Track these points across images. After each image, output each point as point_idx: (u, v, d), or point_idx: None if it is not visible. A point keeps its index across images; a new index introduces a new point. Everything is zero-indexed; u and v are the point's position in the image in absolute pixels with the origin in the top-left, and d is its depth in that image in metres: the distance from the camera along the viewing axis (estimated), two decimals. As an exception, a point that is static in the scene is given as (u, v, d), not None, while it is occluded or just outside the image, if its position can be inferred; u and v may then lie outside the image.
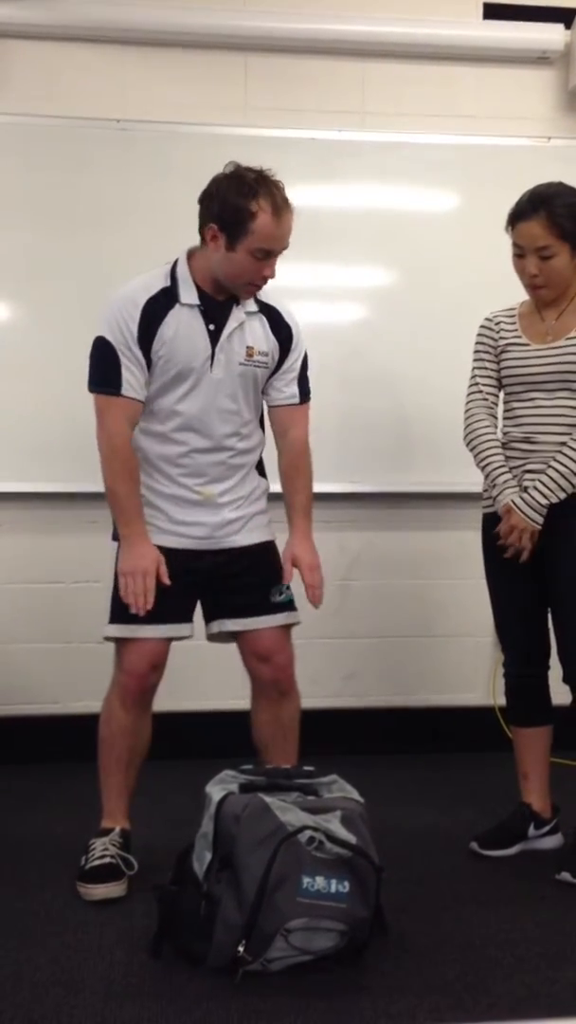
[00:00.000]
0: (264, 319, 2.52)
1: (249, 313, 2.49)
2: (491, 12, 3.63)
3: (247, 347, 2.47)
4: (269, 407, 2.61)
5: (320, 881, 1.97)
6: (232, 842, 2.00)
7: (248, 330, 2.49)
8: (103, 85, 3.47)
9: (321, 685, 3.50)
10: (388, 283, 3.63)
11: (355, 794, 2.19)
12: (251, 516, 2.55)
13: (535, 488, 2.53)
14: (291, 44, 3.53)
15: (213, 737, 3.16)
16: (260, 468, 2.62)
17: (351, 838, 2.03)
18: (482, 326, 2.72)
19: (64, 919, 2.25)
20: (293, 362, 2.58)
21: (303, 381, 2.61)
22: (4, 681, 3.46)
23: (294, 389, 2.59)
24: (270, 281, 2.45)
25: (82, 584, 3.46)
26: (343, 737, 3.44)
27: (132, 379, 2.41)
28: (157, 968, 2.03)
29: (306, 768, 2.27)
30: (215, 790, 2.12)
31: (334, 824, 2.04)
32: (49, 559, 3.48)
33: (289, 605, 2.55)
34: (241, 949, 1.94)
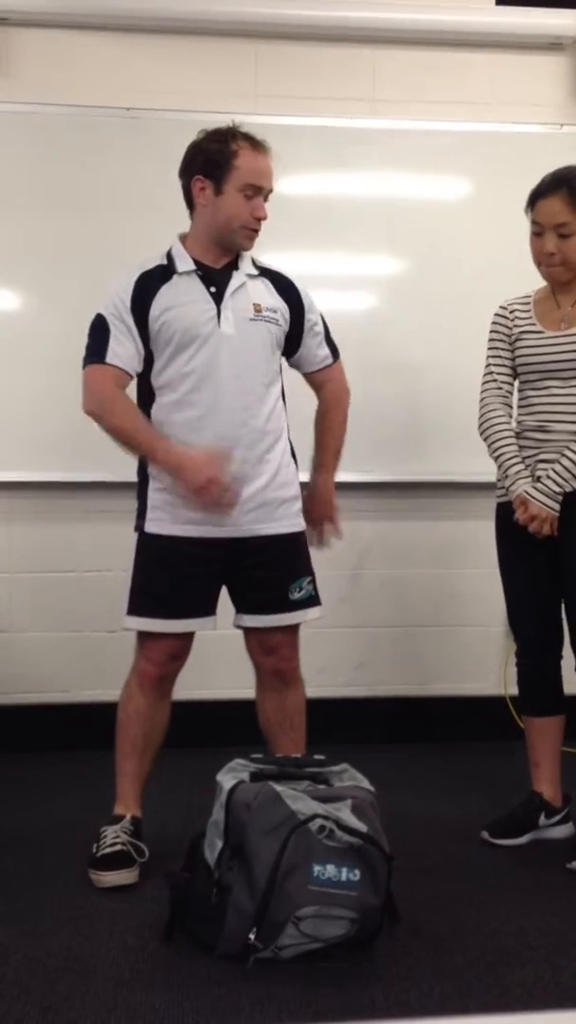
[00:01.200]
0: (267, 281, 2.53)
1: (250, 275, 2.50)
2: (503, -2, 3.61)
3: (253, 303, 2.47)
4: (307, 374, 2.63)
5: (331, 869, 1.98)
6: (243, 830, 2.00)
7: (251, 288, 2.49)
8: (113, 73, 3.46)
9: (332, 674, 3.50)
10: (400, 271, 3.61)
11: (366, 783, 2.19)
12: (279, 503, 2.49)
13: (548, 476, 2.52)
14: (301, 31, 3.51)
15: (224, 725, 3.16)
16: (291, 450, 2.58)
17: (362, 826, 2.03)
18: (496, 315, 2.71)
19: (76, 906, 2.26)
20: (315, 322, 2.59)
21: (329, 340, 2.64)
22: (15, 670, 3.47)
23: (325, 351, 2.62)
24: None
25: (93, 573, 3.47)
26: (354, 726, 3.44)
27: (120, 349, 2.42)
28: (169, 955, 2.04)
29: (317, 757, 2.27)
30: (226, 778, 2.12)
31: (345, 813, 2.05)
32: (59, 548, 3.49)
33: (308, 601, 2.53)
34: (252, 936, 1.95)
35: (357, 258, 3.57)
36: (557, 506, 2.52)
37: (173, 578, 2.45)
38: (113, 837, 2.40)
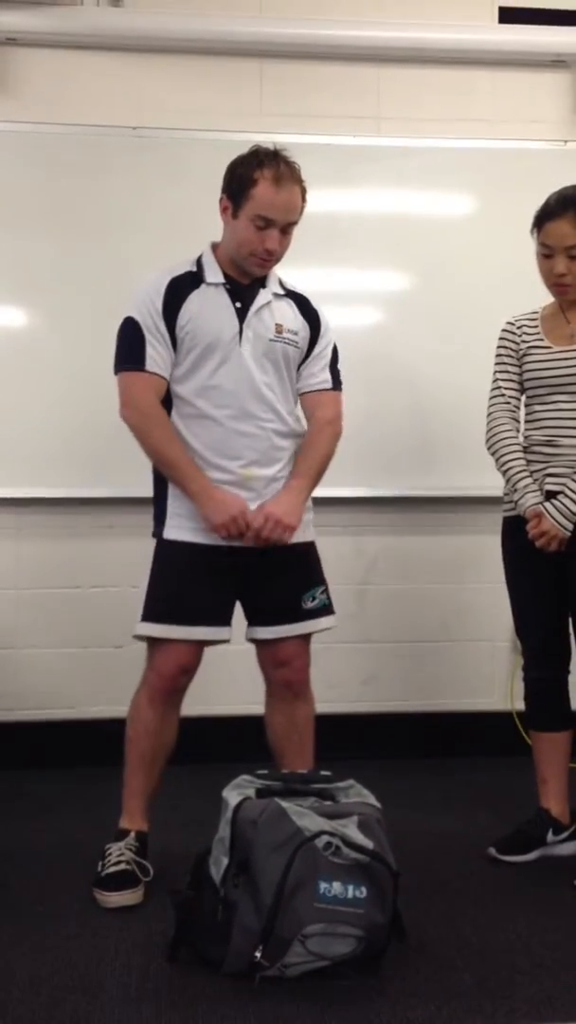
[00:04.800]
0: (292, 302, 2.55)
1: (276, 295, 2.53)
2: (506, 16, 3.63)
3: (276, 324, 2.49)
4: (301, 395, 2.59)
5: (337, 886, 1.97)
6: (249, 847, 2.00)
7: (276, 309, 2.51)
8: (118, 92, 3.49)
9: (339, 689, 3.50)
10: (405, 287, 3.63)
11: (372, 799, 2.18)
12: None
13: (565, 495, 2.52)
14: (306, 50, 3.54)
15: (230, 742, 3.16)
16: None
17: (368, 843, 2.02)
18: (504, 330, 2.72)
19: (81, 924, 2.25)
20: (324, 348, 2.59)
21: (334, 369, 2.61)
22: (21, 686, 3.47)
23: (326, 375, 2.59)
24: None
25: (99, 589, 3.47)
26: (361, 741, 3.43)
27: (156, 355, 2.43)
28: (174, 973, 2.03)
29: (323, 773, 2.26)
30: (232, 795, 2.12)
31: (351, 829, 2.04)
32: (66, 564, 3.50)
33: (322, 611, 2.54)
34: (258, 955, 1.94)
35: (362, 274, 3.58)
36: (571, 526, 2.52)
37: (189, 584, 2.45)
38: (118, 855, 2.38)
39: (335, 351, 2.62)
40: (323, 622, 2.55)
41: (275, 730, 2.58)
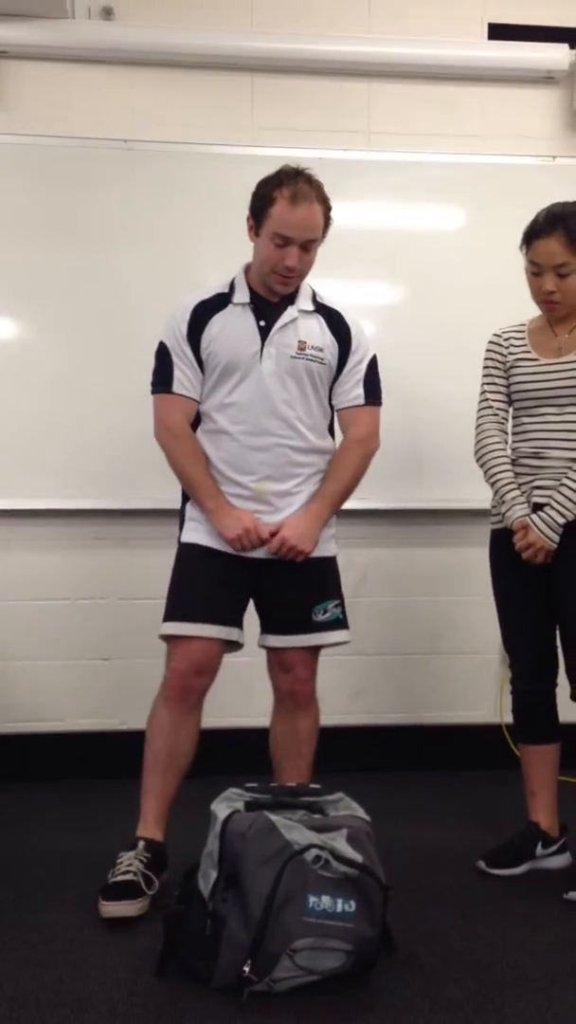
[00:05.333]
0: (321, 319, 2.58)
1: (304, 311, 2.56)
2: (496, 32, 3.65)
3: (299, 340, 2.52)
4: (337, 411, 2.63)
5: (326, 900, 1.97)
6: (238, 860, 1.99)
7: (302, 325, 2.54)
8: (110, 106, 3.50)
9: (329, 702, 3.45)
10: (395, 301, 3.64)
11: (361, 812, 2.18)
12: None
13: (551, 507, 2.53)
14: (297, 65, 3.55)
15: (218, 755, 3.15)
16: None
17: (357, 857, 2.02)
18: (491, 342, 2.73)
19: (69, 938, 2.24)
20: (357, 363, 2.60)
21: (370, 383, 2.62)
22: (10, 698, 3.46)
23: (359, 391, 2.60)
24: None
25: (87, 601, 3.47)
26: (351, 754, 3.42)
27: (184, 378, 2.51)
28: (162, 988, 2.02)
29: (312, 786, 2.26)
30: (220, 808, 2.11)
31: (340, 842, 2.03)
32: (55, 576, 3.49)
33: (334, 624, 2.56)
34: (247, 969, 1.93)
35: (353, 288, 3.58)
36: (557, 538, 2.53)
37: (202, 585, 2.50)
38: (126, 865, 2.37)
39: (372, 364, 2.63)
40: (335, 636, 2.57)
41: (276, 740, 2.60)
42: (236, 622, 2.53)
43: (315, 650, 2.58)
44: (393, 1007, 1.95)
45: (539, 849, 2.67)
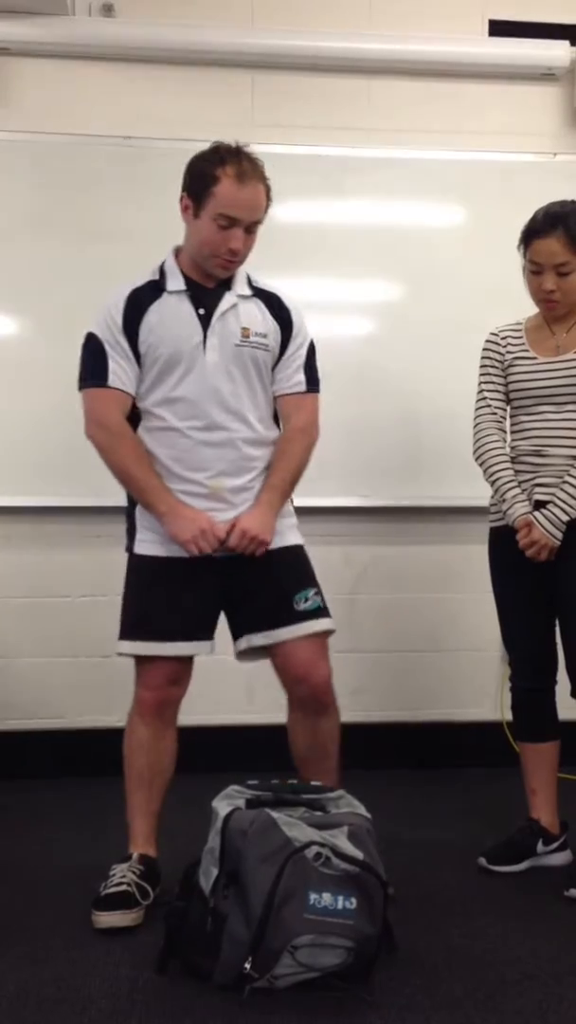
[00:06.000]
0: (260, 303, 2.46)
1: (242, 296, 2.43)
2: (496, 29, 3.65)
3: (242, 328, 2.40)
4: (276, 397, 2.49)
5: (327, 897, 1.96)
6: (239, 858, 1.99)
7: (242, 312, 2.42)
8: (111, 102, 3.50)
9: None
10: (394, 298, 3.64)
11: (362, 809, 2.17)
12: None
13: (555, 504, 2.53)
14: (297, 62, 3.55)
15: (219, 752, 3.15)
16: None
17: (358, 854, 2.02)
18: (488, 341, 2.73)
19: (70, 936, 2.24)
20: (297, 348, 2.49)
21: (310, 369, 2.51)
22: (9, 696, 3.46)
23: (300, 376, 2.49)
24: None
25: (88, 598, 3.47)
26: (350, 752, 3.39)
27: (119, 371, 2.38)
28: (163, 985, 2.02)
29: (313, 783, 2.26)
30: (221, 805, 2.11)
31: (341, 840, 2.03)
32: (54, 573, 3.49)
33: (316, 612, 2.44)
34: (248, 966, 1.93)
35: (352, 284, 3.59)
36: (561, 535, 2.53)
37: (166, 600, 2.39)
38: (119, 876, 2.32)
39: (311, 350, 2.52)
40: (321, 623, 2.44)
41: (297, 745, 2.48)
42: (204, 634, 2.42)
43: (322, 648, 2.46)
44: (393, 1003, 1.95)
45: (540, 846, 2.67)
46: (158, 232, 3.41)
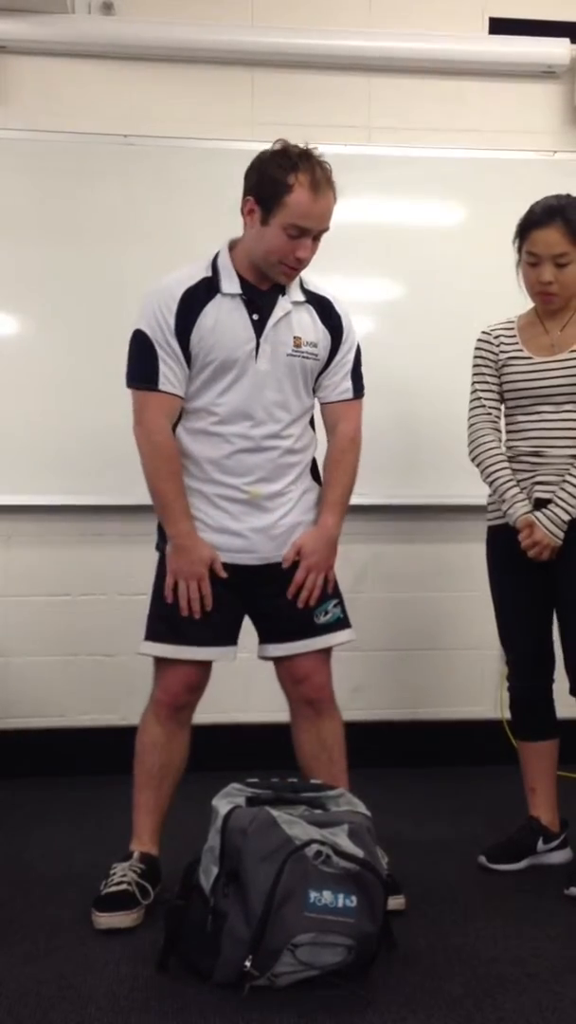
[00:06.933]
0: (312, 309, 2.43)
1: (296, 303, 2.40)
2: (497, 27, 3.65)
3: (294, 337, 2.37)
4: (322, 404, 2.49)
5: (327, 895, 1.97)
6: (239, 856, 1.99)
7: (295, 320, 2.39)
8: (110, 101, 3.50)
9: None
10: (395, 296, 3.64)
11: (362, 807, 2.18)
12: (303, 527, 2.43)
13: (556, 504, 2.53)
14: (297, 59, 3.55)
15: (219, 750, 3.15)
16: (315, 474, 2.51)
17: (358, 852, 2.02)
18: (480, 340, 2.72)
19: (71, 933, 2.24)
20: (345, 354, 2.47)
21: (356, 374, 2.50)
22: (11, 694, 3.46)
23: (347, 384, 2.48)
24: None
25: (89, 597, 3.47)
26: (350, 750, 3.39)
27: (170, 374, 2.32)
28: (164, 983, 2.02)
29: (313, 781, 2.26)
30: (222, 803, 2.11)
31: (341, 838, 2.04)
32: (55, 572, 3.49)
33: (336, 624, 2.46)
34: (248, 964, 1.93)
35: (352, 283, 3.58)
36: (562, 535, 2.53)
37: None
38: (120, 875, 2.31)
39: (358, 354, 2.51)
40: (339, 636, 2.46)
41: (303, 749, 2.48)
42: (230, 639, 2.42)
43: (326, 653, 2.48)
44: (393, 1002, 1.95)
45: (540, 844, 2.67)
46: (157, 230, 3.44)
